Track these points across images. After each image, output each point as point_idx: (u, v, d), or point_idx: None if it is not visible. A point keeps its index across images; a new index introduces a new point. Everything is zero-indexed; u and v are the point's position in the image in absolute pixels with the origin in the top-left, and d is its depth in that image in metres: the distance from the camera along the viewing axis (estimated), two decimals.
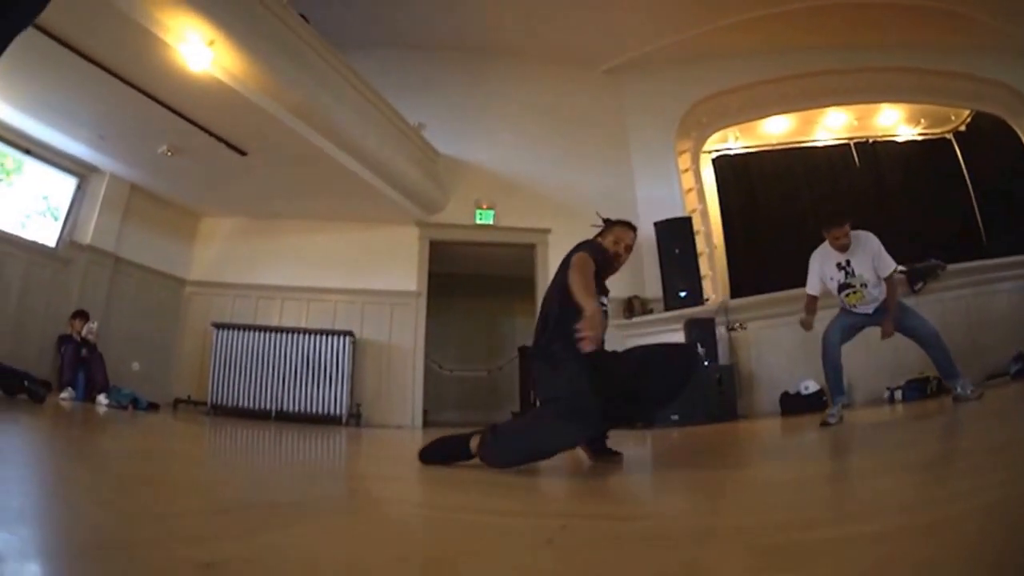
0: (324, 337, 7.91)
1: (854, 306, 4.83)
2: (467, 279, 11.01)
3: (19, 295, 6.56)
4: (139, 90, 5.80)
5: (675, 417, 6.63)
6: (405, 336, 8.34)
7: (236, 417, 7.40)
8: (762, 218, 9.11)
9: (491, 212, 8.70)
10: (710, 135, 9.46)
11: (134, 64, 5.50)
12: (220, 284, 8.48)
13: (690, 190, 9.00)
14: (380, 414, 8.07)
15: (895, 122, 9.28)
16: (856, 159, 9.16)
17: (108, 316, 7.31)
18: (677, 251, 8.04)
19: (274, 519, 1.49)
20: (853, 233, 4.73)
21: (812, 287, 4.97)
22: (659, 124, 9.21)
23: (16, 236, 6.67)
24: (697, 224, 8.51)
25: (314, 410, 7.66)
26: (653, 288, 8.31)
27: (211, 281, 8.52)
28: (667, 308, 7.90)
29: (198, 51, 5.36)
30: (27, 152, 6.80)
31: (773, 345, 7.50)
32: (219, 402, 7.59)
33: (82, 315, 6.77)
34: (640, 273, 8.32)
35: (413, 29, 9.10)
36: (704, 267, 8.26)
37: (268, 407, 7.61)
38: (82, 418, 4.95)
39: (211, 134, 6.57)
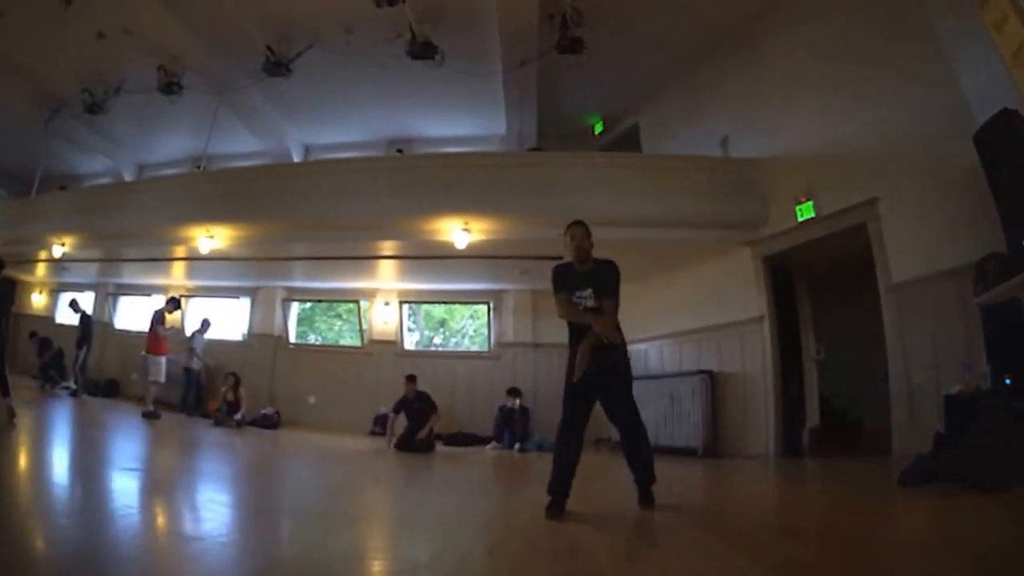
0: (680, 379, 9.05)
1: None
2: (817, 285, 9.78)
3: (471, 381, 10.58)
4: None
5: None
6: (754, 363, 8.54)
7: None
8: None
9: (810, 204, 8.03)
10: None
11: None
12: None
13: (1020, 47, 5.02)
14: (736, 444, 8.55)
15: None
16: None
17: (536, 388, 10.33)
18: (1006, 174, 5.04)
19: None
20: None
21: None
22: None
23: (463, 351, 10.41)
24: None
25: (679, 443, 8.77)
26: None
27: None
28: (1009, 269, 4.94)
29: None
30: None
31: None
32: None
33: (514, 392, 9.99)
34: (982, 217, 5.56)
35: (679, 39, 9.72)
36: None
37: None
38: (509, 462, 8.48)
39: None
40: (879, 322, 6.94)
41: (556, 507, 3.87)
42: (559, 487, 3.96)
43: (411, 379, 9.72)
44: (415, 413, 9.42)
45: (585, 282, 4.24)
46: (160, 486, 4.66)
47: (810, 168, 8.12)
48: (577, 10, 8.91)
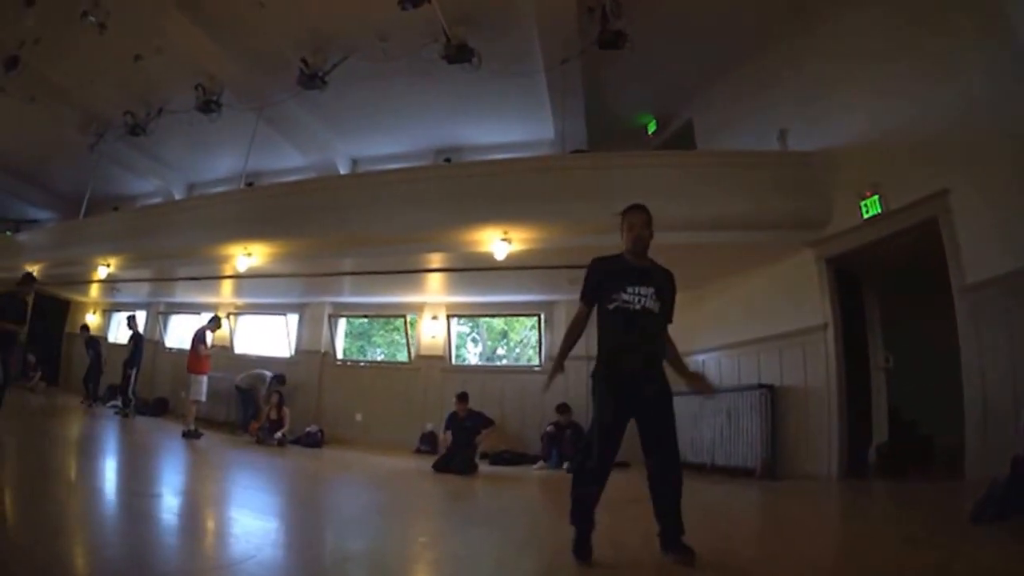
0: (738, 393, 8.47)
1: None
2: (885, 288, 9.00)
3: (520, 397, 10.50)
4: None
5: None
6: (817, 375, 7.89)
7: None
8: None
9: (876, 198, 7.33)
10: None
11: None
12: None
13: None
14: (796, 464, 7.89)
15: None
16: None
17: (587, 404, 9.63)
18: None
19: None
20: None
21: None
22: None
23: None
24: None
25: (734, 463, 8.27)
26: None
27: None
28: None
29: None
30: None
31: None
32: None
33: (563, 408, 9.63)
34: None
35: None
36: None
37: (704, 461, 8.62)
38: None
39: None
40: (954, 327, 6.26)
41: (582, 547, 3.38)
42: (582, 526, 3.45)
43: (463, 397, 9.35)
44: (465, 432, 9.00)
45: (643, 279, 3.55)
46: (150, 516, 4.31)
47: (875, 159, 7.42)
48: (616, 1, 8.45)
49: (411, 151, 12.92)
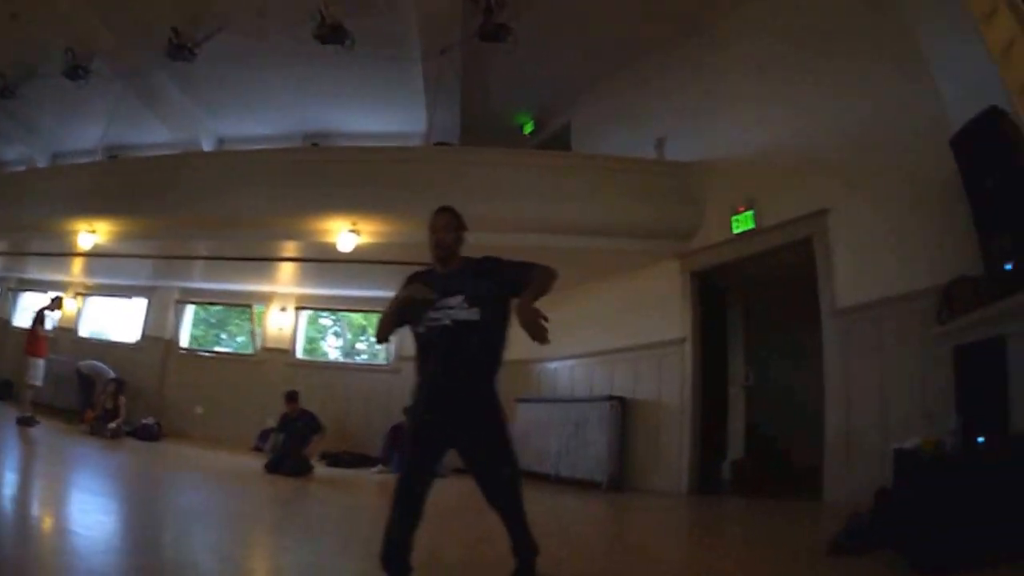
0: (590, 404, 8.18)
1: None
2: (753, 305, 9.03)
3: (366, 396, 10.52)
4: None
5: None
6: (672, 389, 7.61)
7: (527, 479, 8.24)
8: None
9: (749, 214, 7.12)
10: None
11: None
12: (524, 360, 9.29)
13: (1011, 43, 4.30)
14: (645, 478, 7.67)
15: None
16: None
17: None
18: (989, 183, 4.28)
19: None
20: None
21: None
22: None
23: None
24: None
25: (580, 475, 7.92)
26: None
27: (517, 359, 9.59)
28: (991, 295, 4.07)
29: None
30: None
31: None
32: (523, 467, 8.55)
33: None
34: (953, 232, 4.90)
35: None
36: None
37: (549, 471, 8.27)
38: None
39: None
40: (821, 349, 6.12)
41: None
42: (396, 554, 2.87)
43: (292, 397, 8.68)
44: (296, 433, 8.31)
45: (451, 287, 3.02)
46: None
47: (753, 175, 7.23)
48: None
49: (281, 134, 12.03)
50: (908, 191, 5.64)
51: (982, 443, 3.34)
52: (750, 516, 6.38)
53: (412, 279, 3.22)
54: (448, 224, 3.23)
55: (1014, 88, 4.31)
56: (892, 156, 5.82)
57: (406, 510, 2.88)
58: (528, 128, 11.62)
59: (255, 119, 11.93)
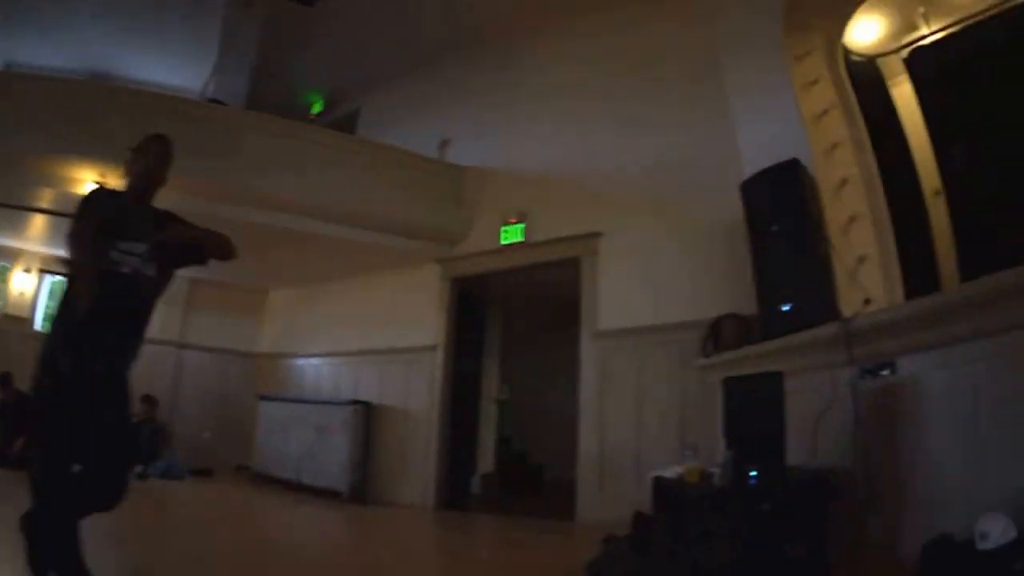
0: (333, 407, 7.54)
1: None
2: (514, 319, 9.00)
3: None
4: None
5: None
6: (420, 398, 7.25)
7: (269, 484, 7.68)
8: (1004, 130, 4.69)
9: (520, 227, 6.96)
10: (848, 13, 5.26)
11: None
12: (274, 355, 9.08)
13: (826, 112, 5.11)
14: (390, 489, 7.19)
15: None
16: None
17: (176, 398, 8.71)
18: (775, 228, 4.53)
19: None
20: None
21: None
22: (757, 25, 5.60)
23: None
24: (840, 166, 4.89)
25: (322, 483, 7.26)
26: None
27: (267, 352, 9.30)
28: (764, 332, 4.50)
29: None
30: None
31: (949, 406, 3.14)
32: (263, 470, 7.96)
33: (149, 400, 7.84)
34: (740, 275, 4.90)
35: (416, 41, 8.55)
36: (860, 244, 4.66)
37: (291, 477, 7.57)
38: None
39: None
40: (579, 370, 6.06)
41: None
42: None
43: (5, 380, 7.44)
44: (12, 420, 7.04)
45: (140, 230, 2.51)
46: None
47: (530, 188, 7.04)
48: None
49: (70, 67, 10.13)
50: (690, 227, 5.74)
51: (755, 476, 3.19)
52: (501, 534, 6.06)
53: (96, 198, 2.62)
54: (165, 156, 2.80)
55: (818, 151, 4.86)
56: (681, 192, 5.90)
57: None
58: (317, 108, 10.74)
59: (44, 47, 10.12)
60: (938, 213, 4.97)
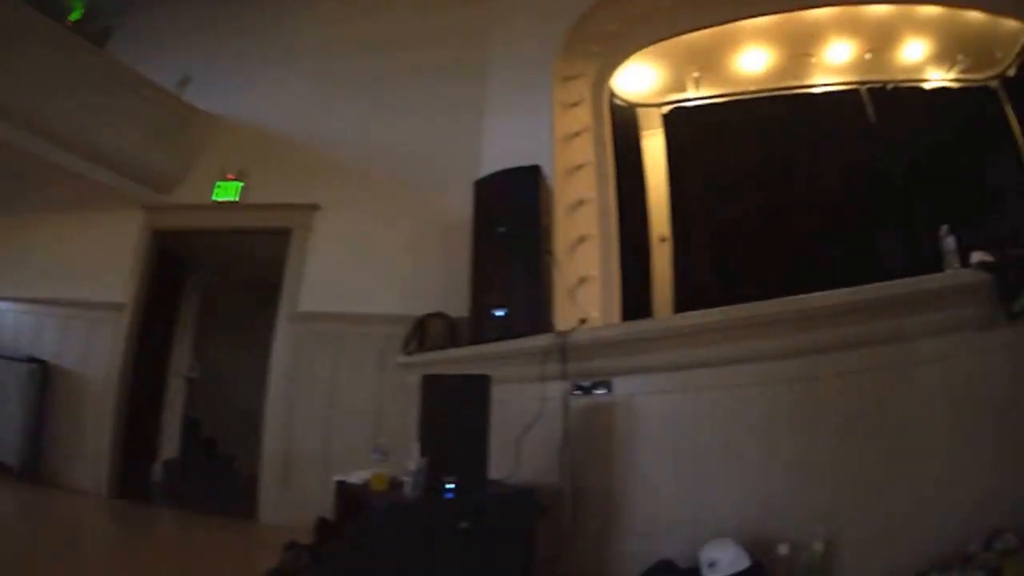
0: (7, 362, 6.39)
1: None
2: (218, 290, 8.41)
3: None
4: None
5: None
6: (101, 365, 6.26)
7: None
8: (730, 197, 5.86)
9: (237, 185, 6.36)
10: (629, 52, 5.88)
11: None
12: None
13: (579, 133, 5.53)
14: (67, 470, 6.12)
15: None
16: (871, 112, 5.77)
17: None
18: (502, 229, 4.64)
19: None
20: None
21: None
22: (535, 37, 5.84)
23: None
24: (580, 187, 5.31)
25: None
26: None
27: None
28: (474, 337, 4.63)
29: None
30: None
31: (666, 430, 3.30)
32: None
33: None
34: (455, 275, 5.05)
35: None
36: (585, 265, 5.04)
37: None
38: None
39: None
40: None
41: None
42: None
43: None
44: None
45: None
46: None
47: (258, 146, 6.55)
48: None
49: None
50: (414, 218, 5.75)
51: (452, 489, 2.96)
52: (179, 534, 5.43)
53: None
54: None
55: (561, 169, 5.23)
56: (412, 181, 5.87)
57: None
58: (76, 15, 9.45)
59: None
60: (662, 256, 5.77)
